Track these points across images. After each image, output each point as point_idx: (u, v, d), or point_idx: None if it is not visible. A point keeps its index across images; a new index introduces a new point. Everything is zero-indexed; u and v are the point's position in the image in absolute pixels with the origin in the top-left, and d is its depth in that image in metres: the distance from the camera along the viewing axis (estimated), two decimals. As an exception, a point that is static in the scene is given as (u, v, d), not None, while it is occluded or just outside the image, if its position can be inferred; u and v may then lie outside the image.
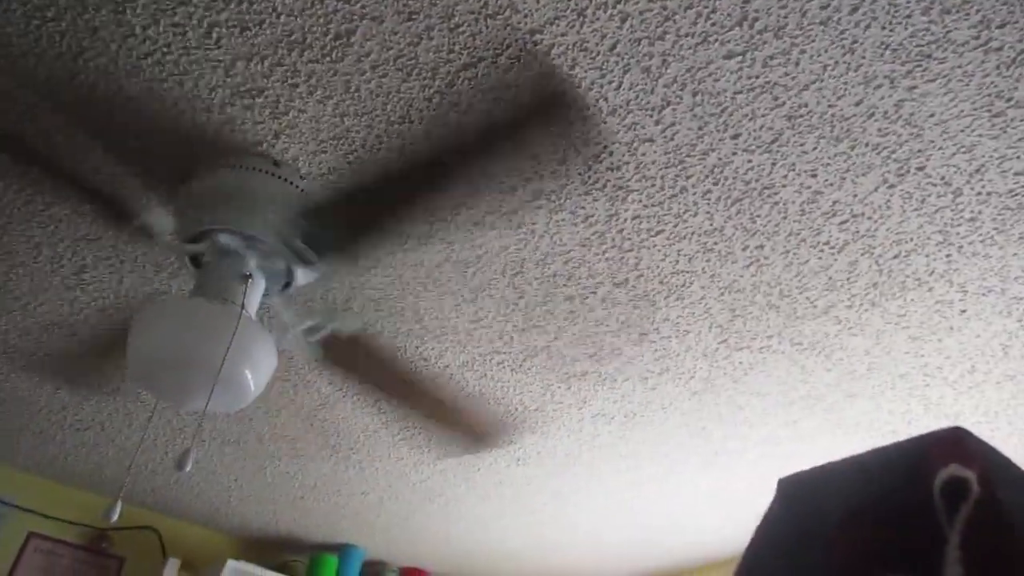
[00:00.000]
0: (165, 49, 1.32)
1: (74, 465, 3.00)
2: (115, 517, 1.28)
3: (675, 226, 1.53)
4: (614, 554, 3.16)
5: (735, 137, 1.33)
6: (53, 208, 1.68)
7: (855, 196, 1.41)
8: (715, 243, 1.55)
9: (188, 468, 1.21)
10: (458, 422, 2.09)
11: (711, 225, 1.51)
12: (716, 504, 2.63)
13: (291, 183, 1.50)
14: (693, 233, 1.54)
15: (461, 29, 1.22)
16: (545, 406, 2.17)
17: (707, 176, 1.41)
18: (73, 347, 2.17)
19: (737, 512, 2.67)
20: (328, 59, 1.30)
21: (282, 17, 1.24)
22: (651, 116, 1.31)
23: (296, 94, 1.37)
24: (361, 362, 1.77)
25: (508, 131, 1.32)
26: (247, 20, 1.25)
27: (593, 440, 2.32)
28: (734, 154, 1.36)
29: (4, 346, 2.21)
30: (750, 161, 1.37)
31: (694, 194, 1.45)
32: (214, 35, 1.28)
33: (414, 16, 1.21)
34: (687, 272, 1.63)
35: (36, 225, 1.73)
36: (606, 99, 1.29)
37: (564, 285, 1.71)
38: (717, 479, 2.46)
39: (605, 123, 1.33)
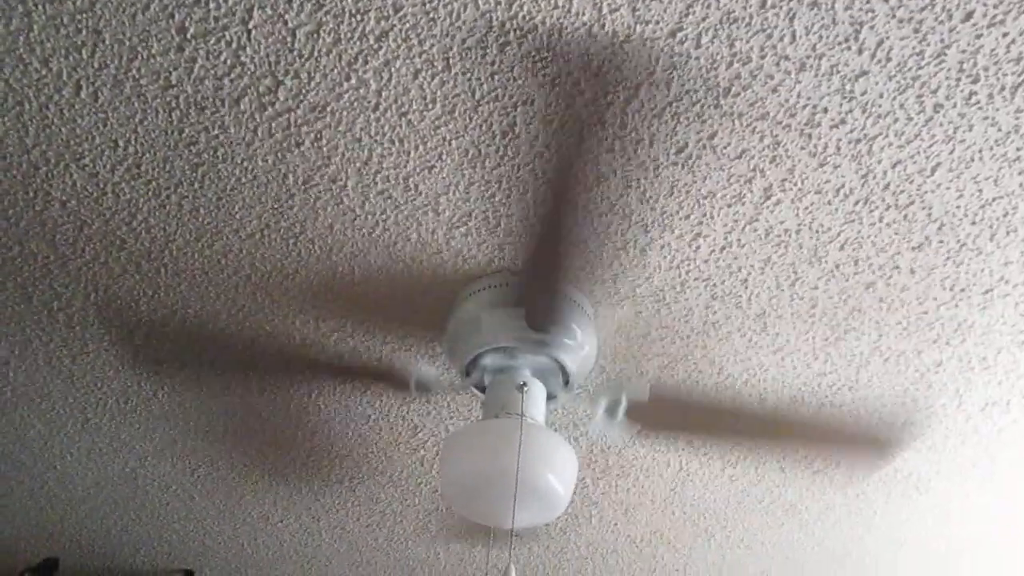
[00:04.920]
0: (383, 216, 1.46)
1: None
2: None
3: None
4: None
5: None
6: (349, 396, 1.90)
7: None
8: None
9: (514, 584, 1.22)
10: (838, 437, 1.77)
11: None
12: None
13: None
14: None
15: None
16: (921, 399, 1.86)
17: None
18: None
19: None
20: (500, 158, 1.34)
21: (454, 142, 1.32)
22: (845, 55, 1.14)
23: (497, 202, 1.42)
24: (682, 415, 1.66)
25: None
26: (429, 160, 1.35)
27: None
28: (969, 48, 1.12)
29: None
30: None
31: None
32: (411, 183, 1.40)
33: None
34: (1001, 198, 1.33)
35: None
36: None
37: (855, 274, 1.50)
38: None
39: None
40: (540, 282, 1.38)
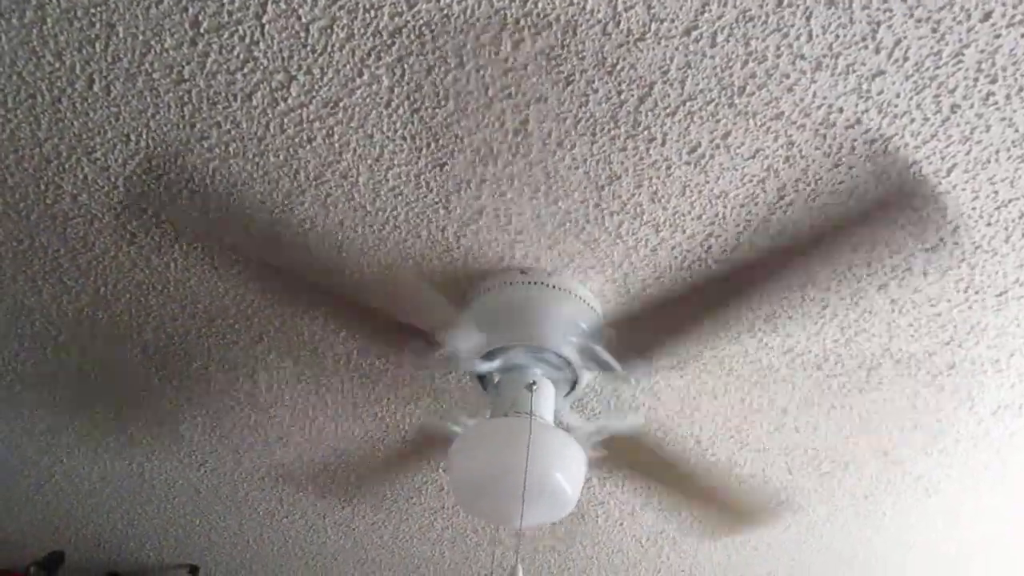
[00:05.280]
0: (393, 212, 1.45)
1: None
2: None
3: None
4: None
5: None
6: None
7: None
8: None
9: (520, 586, 1.22)
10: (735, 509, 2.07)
11: None
12: None
13: (568, 292, 1.54)
14: (988, 159, 1.26)
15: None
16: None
17: None
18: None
19: None
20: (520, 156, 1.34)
21: (466, 139, 1.31)
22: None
23: (508, 200, 1.42)
24: (642, 461, 1.74)
25: (848, 227, 1.33)
26: (441, 157, 1.34)
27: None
28: None
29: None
30: None
31: (963, 115, 1.20)
32: (422, 180, 1.39)
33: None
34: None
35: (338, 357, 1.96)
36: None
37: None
38: None
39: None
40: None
